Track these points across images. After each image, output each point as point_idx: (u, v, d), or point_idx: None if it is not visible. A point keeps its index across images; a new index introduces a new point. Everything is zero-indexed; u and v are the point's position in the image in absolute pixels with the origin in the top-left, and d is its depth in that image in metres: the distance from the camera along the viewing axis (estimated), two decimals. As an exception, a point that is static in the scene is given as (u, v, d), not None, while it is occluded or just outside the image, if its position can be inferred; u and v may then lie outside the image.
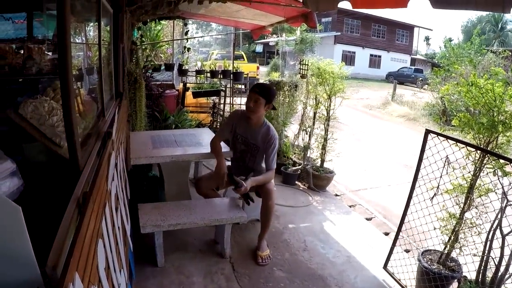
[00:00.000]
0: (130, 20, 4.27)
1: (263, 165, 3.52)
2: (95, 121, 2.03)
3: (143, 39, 7.59)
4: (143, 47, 8.01)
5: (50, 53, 2.87)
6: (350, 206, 4.99)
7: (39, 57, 2.69)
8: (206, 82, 8.50)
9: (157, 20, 6.78)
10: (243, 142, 3.53)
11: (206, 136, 4.13)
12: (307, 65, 5.51)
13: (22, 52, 2.76)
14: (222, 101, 7.41)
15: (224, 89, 7.41)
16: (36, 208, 1.07)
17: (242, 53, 21.65)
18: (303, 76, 5.65)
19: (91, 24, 2.78)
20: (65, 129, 1.23)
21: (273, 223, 3.90)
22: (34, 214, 1.02)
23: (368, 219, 4.62)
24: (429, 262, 3.01)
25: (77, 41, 2.76)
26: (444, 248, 2.99)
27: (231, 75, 7.53)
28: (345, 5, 2.82)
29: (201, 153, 3.65)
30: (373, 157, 8.29)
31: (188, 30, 8.14)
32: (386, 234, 4.24)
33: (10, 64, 2.65)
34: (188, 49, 7.95)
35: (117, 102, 3.04)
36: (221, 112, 7.25)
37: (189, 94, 7.43)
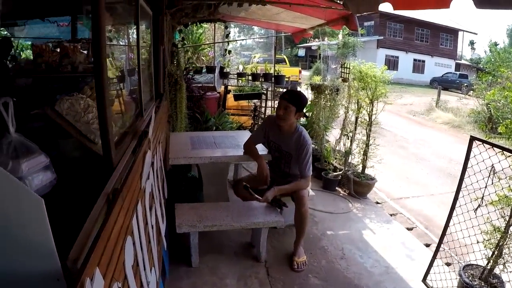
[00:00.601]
0: (170, 23, 4.36)
1: None
2: (132, 120, 2.07)
3: (184, 41, 7.73)
4: (185, 50, 8.16)
5: (85, 52, 2.97)
6: (391, 215, 4.82)
7: (75, 55, 2.78)
8: (247, 85, 8.54)
9: (198, 23, 6.89)
10: (276, 149, 3.46)
11: (246, 138, 4.13)
12: (349, 68, 5.40)
13: (58, 50, 2.88)
14: (263, 104, 7.40)
15: (265, 92, 7.41)
16: (67, 202, 1.09)
17: (284, 56, 21.56)
18: (344, 80, 5.54)
19: (133, 26, 2.85)
20: (99, 127, 1.25)
21: (311, 229, 3.84)
22: (64, 207, 1.04)
23: (409, 229, 4.43)
24: (470, 278, 2.85)
25: (120, 43, 2.84)
26: (487, 264, 2.82)
27: (272, 78, 7.52)
28: (386, 7, 2.74)
29: (240, 155, 3.60)
30: (416, 164, 8.01)
31: (229, 33, 8.22)
32: (427, 245, 4.05)
33: (47, 62, 2.76)
34: (229, 51, 8.03)
35: (156, 102, 3.10)
36: (262, 115, 7.24)
37: (230, 96, 7.49)
